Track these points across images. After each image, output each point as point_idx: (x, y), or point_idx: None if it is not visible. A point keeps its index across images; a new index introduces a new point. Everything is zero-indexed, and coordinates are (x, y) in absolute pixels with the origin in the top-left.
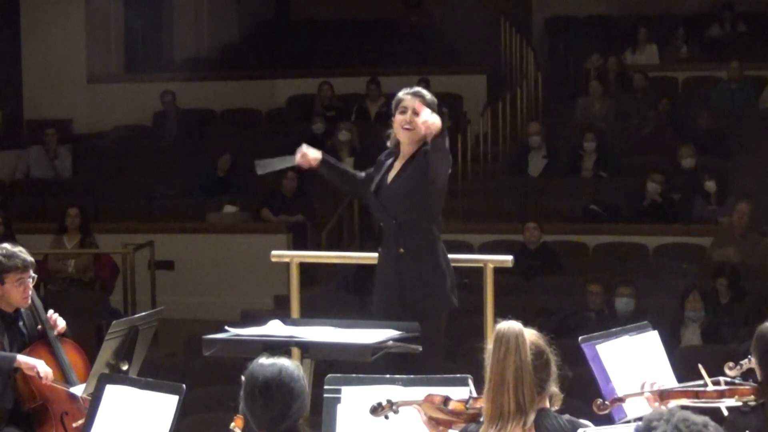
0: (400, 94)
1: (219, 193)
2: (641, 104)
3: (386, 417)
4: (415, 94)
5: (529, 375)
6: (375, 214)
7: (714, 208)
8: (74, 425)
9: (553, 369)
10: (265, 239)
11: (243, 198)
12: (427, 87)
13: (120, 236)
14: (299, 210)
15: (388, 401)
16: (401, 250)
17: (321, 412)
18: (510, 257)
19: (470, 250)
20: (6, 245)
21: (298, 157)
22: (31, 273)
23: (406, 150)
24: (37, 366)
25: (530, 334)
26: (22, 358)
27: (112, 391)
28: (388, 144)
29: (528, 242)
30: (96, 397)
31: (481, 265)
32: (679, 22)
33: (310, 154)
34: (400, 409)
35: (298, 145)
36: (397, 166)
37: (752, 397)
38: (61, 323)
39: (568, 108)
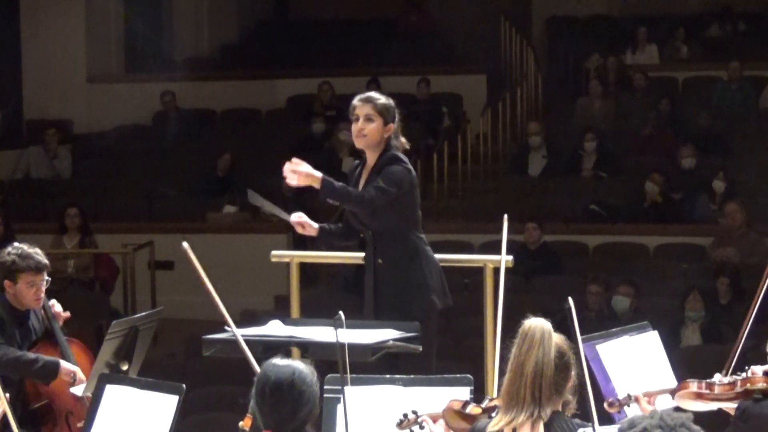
0: (354, 101)
1: (219, 193)
2: (641, 104)
3: (411, 431)
4: (366, 100)
5: (549, 371)
6: (358, 228)
7: (715, 208)
8: (79, 425)
9: (573, 377)
10: (265, 239)
11: (243, 198)
12: (427, 87)
13: (120, 236)
14: (299, 210)
15: (414, 413)
16: (380, 260)
17: (321, 412)
18: (510, 257)
19: (470, 250)
20: (23, 246)
21: (295, 219)
22: (45, 276)
23: (369, 157)
24: (77, 373)
25: (557, 337)
26: (64, 364)
27: (112, 391)
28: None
29: (528, 242)
30: (96, 397)
31: (481, 265)
32: (679, 22)
33: (309, 227)
34: (424, 421)
35: (299, 145)
36: (365, 174)
37: (766, 385)
38: (58, 307)
39: (568, 108)
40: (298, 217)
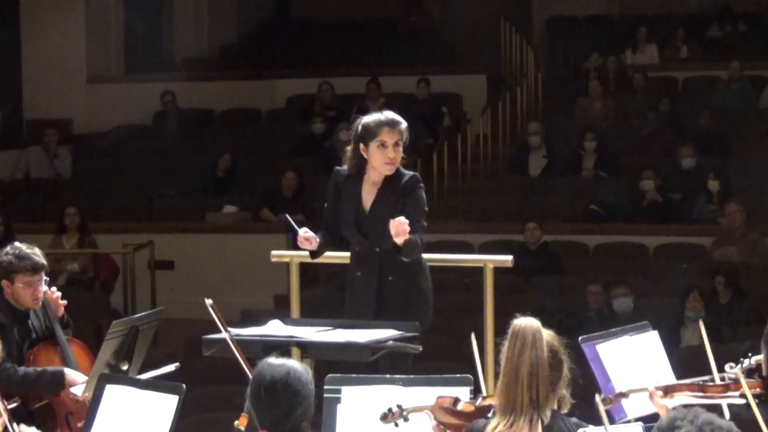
0: (372, 123)
1: (219, 193)
2: (641, 104)
3: (396, 425)
4: (394, 126)
5: (544, 371)
6: (353, 241)
7: (715, 208)
8: (79, 425)
9: (566, 372)
10: (265, 239)
11: (243, 198)
12: (427, 87)
13: (120, 236)
14: (299, 210)
15: (399, 407)
16: (390, 277)
17: (321, 412)
18: (510, 257)
19: (470, 250)
20: (22, 245)
21: (302, 232)
22: (43, 276)
23: (374, 176)
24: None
25: (546, 334)
26: (69, 372)
27: (112, 391)
28: (345, 165)
29: (528, 242)
30: (96, 397)
31: (481, 265)
32: (679, 22)
33: (313, 241)
34: (410, 415)
35: (298, 145)
36: (369, 191)
37: (758, 390)
38: (58, 296)
39: (568, 108)
40: (304, 232)
